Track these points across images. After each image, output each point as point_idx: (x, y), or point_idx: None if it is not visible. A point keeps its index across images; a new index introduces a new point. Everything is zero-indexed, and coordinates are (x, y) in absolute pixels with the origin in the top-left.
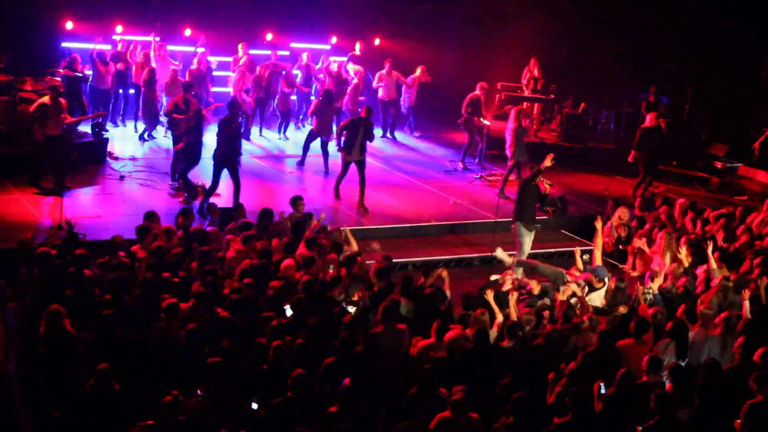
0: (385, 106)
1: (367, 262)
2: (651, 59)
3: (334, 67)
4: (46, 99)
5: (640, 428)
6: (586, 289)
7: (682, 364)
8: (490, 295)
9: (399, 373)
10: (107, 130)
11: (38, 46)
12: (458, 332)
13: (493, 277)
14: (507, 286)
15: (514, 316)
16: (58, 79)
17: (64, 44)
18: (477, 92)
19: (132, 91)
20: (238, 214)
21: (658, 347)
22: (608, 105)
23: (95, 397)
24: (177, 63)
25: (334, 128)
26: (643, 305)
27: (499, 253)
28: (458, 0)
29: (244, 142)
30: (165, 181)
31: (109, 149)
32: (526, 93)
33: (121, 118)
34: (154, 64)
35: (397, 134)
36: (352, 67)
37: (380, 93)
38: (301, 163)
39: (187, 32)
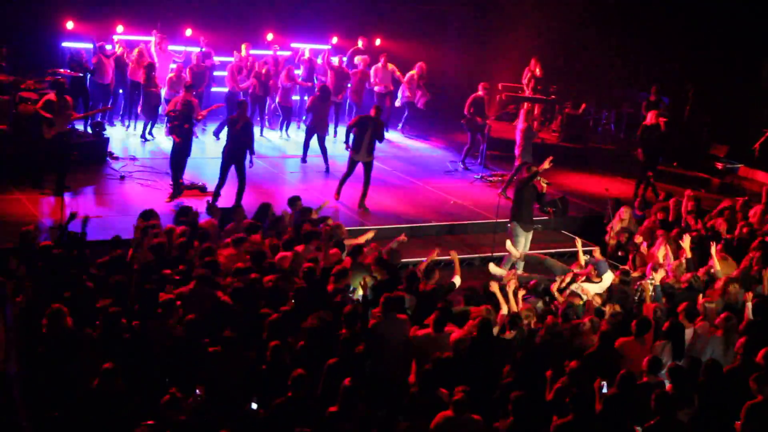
0: (381, 99)
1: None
2: (651, 59)
3: (335, 61)
4: (51, 96)
5: (639, 429)
6: (585, 284)
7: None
8: (496, 287)
9: (398, 363)
10: (108, 128)
11: (39, 46)
12: (464, 333)
13: (492, 269)
14: (511, 286)
15: (515, 308)
16: (62, 77)
17: (64, 44)
18: (480, 92)
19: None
20: (238, 215)
21: (655, 348)
22: (609, 105)
23: (98, 396)
24: (180, 54)
25: (334, 127)
26: (648, 303)
27: (492, 268)
28: (459, 1)
29: None
30: (165, 181)
31: (109, 149)
32: (527, 93)
33: (120, 117)
34: (155, 58)
35: (394, 134)
36: (359, 59)
37: (376, 86)
38: (303, 161)
39: (188, 32)
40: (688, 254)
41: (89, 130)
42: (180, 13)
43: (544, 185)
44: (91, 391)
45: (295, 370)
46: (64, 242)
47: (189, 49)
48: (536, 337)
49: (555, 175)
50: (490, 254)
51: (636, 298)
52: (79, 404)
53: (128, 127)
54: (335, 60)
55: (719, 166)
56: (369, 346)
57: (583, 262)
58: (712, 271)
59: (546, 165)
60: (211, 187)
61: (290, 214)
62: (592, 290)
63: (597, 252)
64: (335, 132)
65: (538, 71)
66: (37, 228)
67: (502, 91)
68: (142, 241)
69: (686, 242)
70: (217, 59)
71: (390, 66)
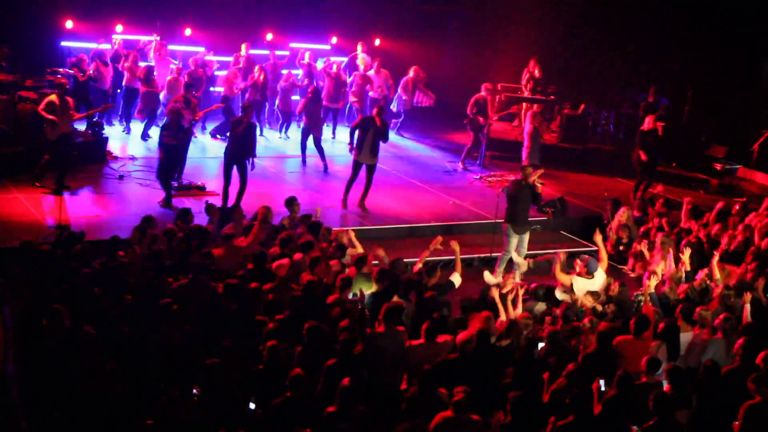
0: (375, 104)
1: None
2: (651, 60)
3: (333, 69)
4: (53, 97)
5: (635, 429)
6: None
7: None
8: (496, 294)
9: (394, 374)
10: (106, 128)
11: (38, 46)
12: (470, 333)
13: (487, 277)
14: (508, 287)
15: (512, 316)
16: (63, 77)
17: (63, 43)
18: (482, 93)
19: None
20: (237, 215)
21: (650, 348)
22: (608, 106)
23: (98, 397)
24: (177, 62)
25: (332, 129)
26: (647, 305)
27: (486, 276)
28: (458, 1)
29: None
30: None
31: (108, 149)
32: (526, 94)
33: (119, 118)
34: (152, 63)
35: (392, 135)
36: (362, 60)
37: (371, 91)
38: (303, 164)
39: (187, 32)
40: (688, 267)
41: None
42: (179, 13)
43: (539, 185)
44: (91, 392)
45: (293, 370)
46: (64, 242)
47: (188, 49)
48: (538, 349)
49: (554, 176)
50: (488, 254)
51: (634, 308)
52: (78, 405)
53: (125, 129)
54: (333, 68)
55: (718, 166)
56: (367, 356)
57: (604, 255)
58: (708, 281)
59: (534, 177)
60: (210, 186)
61: (288, 217)
62: (584, 286)
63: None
64: (333, 133)
65: (537, 72)
66: (38, 239)
67: (501, 92)
68: (141, 241)
69: (686, 255)
70: (214, 58)
71: (383, 71)
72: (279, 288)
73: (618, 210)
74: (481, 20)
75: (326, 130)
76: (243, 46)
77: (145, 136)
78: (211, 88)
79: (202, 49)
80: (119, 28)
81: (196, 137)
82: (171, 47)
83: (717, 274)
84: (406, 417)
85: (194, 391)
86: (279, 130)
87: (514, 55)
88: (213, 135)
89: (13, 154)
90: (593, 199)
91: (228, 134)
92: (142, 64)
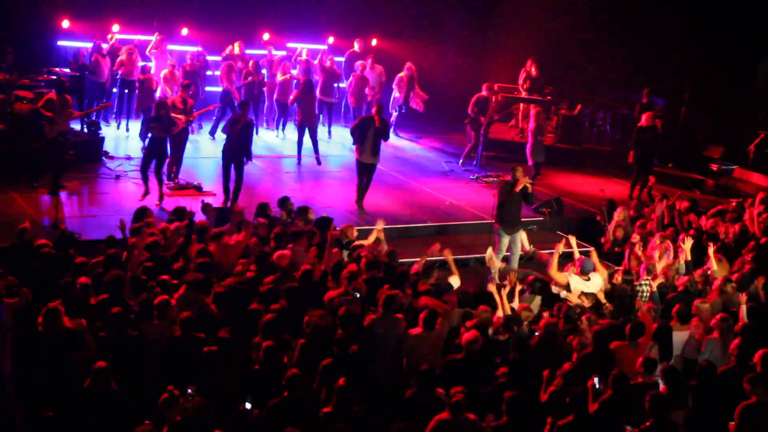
0: (375, 103)
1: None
2: (648, 61)
3: (327, 62)
4: (52, 95)
5: (629, 429)
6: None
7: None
8: (493, 288)
9: (392, 362)
10: (103, 127)
11: (34, 45)
12: (475, 334)
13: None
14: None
15: (509, 310)
16: (63, 76)
17: (60, 43)
18: (483, 92)
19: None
20: (234, 215)
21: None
22: (605, 107)
23: (91, 396)
24: (171, 61)
25: (327, 127)
26: (639, 301)
27: (489, 253)
28: (455, 1)
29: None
30: None
31: (104, 148)
32: (523, 94)
33: (114, 116)
34: (152, 61)
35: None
36: (360, 63)
37: (366, 90)
38: (299, 163)
39: (184, 31)
40: (688, 256)
41: (85, 129)
42: (176, 12)
43: (528, 185)
44: (84, 391)
45: (290, 369)
46: (60, 241)
47: (184, 48)
48: (532, 339)
49: (550, 176)
50: (486, 254)
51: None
52: (73, 404)
53: (119, 126)
54: (327, 62)
55: (714, 167)
56: (363, 344)
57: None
58: (708, 272)
59: (523, 184)
60: (206, 186)
61: (284, 214)
62: (578, 287)
63: (594, 254)
64: (329, 133)
65: (534, 72)
66: (33, 225)
67: (498, 92)
68: (137, 240)
69: (687, 245)
70: (210, 58)
71: (378, 67)
72: (279, 279)
73: (614, 210)
74: (478, 20)
75: (322, 130)
76: (236, 45)
77: (143, 135)
78: (207, 88)
79: (199, 49)
80: (116, 27)
81: (193, 133)
82: (169, 47)
83: (715, 266)
84: (404, 417)
85: (189, 390)
86: (276, 127)
87: (512, 55)
88: (212, 135)
89: (10, 153)
90: (590, 199)
91: (226, 132)
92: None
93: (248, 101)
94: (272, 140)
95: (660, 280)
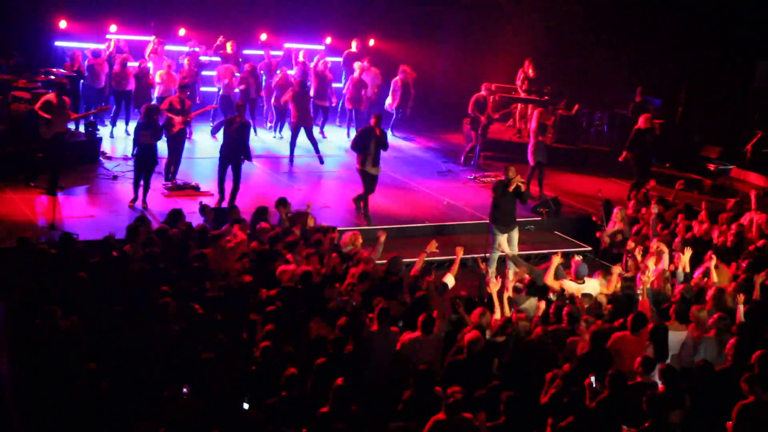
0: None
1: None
2: (645, 61)
3: (320, 66)
4: (50, 96)
5: (626, 428)
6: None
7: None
8: (493, 290)
9: (386, 375)
10: (100, 128)
11: (32, 45)
12: (477, 334)
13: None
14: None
15: (507, 313)
16: (61, 77)
17: (57, 43)
18: (482, 92)
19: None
20: (232, 216)
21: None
22: (602, 106)
23: (87, 396)
24: (167, 61)
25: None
26: (643, 300)
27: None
28: (453, 1)
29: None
30: (158, 181)
31: (102, 149)
32: (521, 94)
33: (110, 122)
34: (150, 64)
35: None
36: (358, 66)
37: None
38: (291, 162)
39: (182, 32)
40: (687, 268)
41: (81, 129)
42: (174, 13)
43: (521, 184)
44: (79, 391)
45: (288, 369)
46: (58, 242)
47: (182, 48)
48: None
49: (548, 176)
50: (483, 254)
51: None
52: (70, 404)
53: (112, 134)
54: (320, 65)
55: (711, 167)
56: (360, 353)
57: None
58: (705, 279)
59: (518, 182)
60: (204, 187)
61: (283, 214)
62: (572, 288)
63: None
64: (322, 132)
65: (531, 72)
66: (35, 234)
67: (496, 92)
68: (134, 240)
69: (686, 256)
70: (205, 58)
71: (373, 69)
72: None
73: (611, 211)
74: (475, 20)
75: (315, 131)
76: (228, 45)
77: (135, 142)
78: (202, 88)
79: (196, 49)
80: (113, 28)
81: (189, 138)
82: (166, 48)
83: (715, 277)
84: (403, 417)
85: (184, 390)
86: (273, 129)
87: (508, 56)
88: (213, 134)
89: (8, 154)
90: (587, 199)
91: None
92: (133, 64)
93: (244, 103)
94: (270, 140)
95: (650, 286)
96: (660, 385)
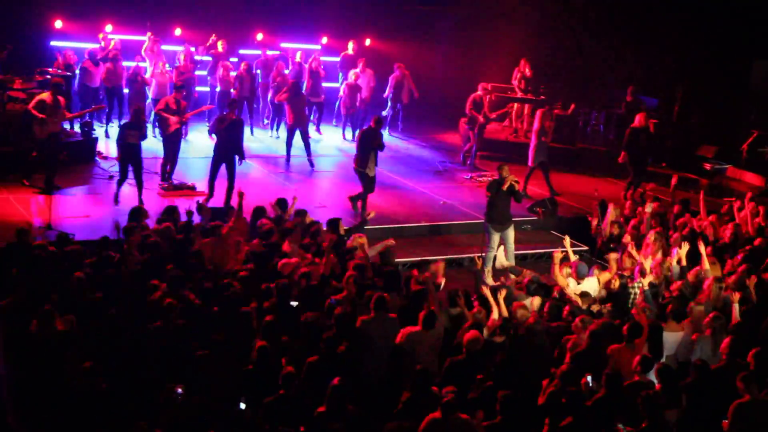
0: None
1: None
2: (641, 60)
3: (313, 64)
4: (45, 96)
5: (621, 427)
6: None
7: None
8: (488, 292)
9: (384, 364)
10: (96, 128)
11: (27, 45)
12: (476, 333)
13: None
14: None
15: (505, 312)
16: (57, 76)
17: (53, 43)
18: (479, 92)
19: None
20: (229, 215)
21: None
22: (598, 106)
23: (84, 396)
24: (163, 61)
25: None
26: (639, 301)
27: (500, 257)
28: (449, 1)
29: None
30: (154, 181)
31: (98, 149)
32: (518, 94)
33: (104, 121)
34: (146, 61)
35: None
36: (353, 73)
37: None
38: (287, 162)
39: (177, 32)
40: (684, 262)
41: (77, 129)
42: (170, 13)
43: (514, 183)
44: (76, 390)
45: (285, 368)
46: (54, 242)
47: (178, 48)
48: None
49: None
50: (479, 254)
51: (630, 302)
52: (66, 403)
53: (107, 133)
54: (313, 63)
55: (707, 166)
56: (356, 345)
57: (572, 258)
58: (701, 274)
59: (511, 181)
60: (200, 186)
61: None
62: (572, 286)
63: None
64: (318, 129)
65: (527, 71)
66: (31, 226)
67: (492, 92)
68: (130, 239)
69: (683, 250)
70: (198, 58)
71: (369, 71)
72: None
73: (606, 211)
74: (471, 20)
75: (311, 129)
76: (219, 44)
77: (119, 141)
78: (197, 88)
79: (192, 49)
80: (109, 27)
81: (185, 138)
82: (162, 47)
83: (707, 266)
84: (401, 417)
85: (179, 390)
86: (270, 127)
87: (505, 55)
88: (210, 134)
89: (2, 153)
90: (583, 198)
91: (213, 131)
92: (129, 63)
93: (236, 100)
94: (266, 140)
95: (650, 278)
96: (657, 384)
